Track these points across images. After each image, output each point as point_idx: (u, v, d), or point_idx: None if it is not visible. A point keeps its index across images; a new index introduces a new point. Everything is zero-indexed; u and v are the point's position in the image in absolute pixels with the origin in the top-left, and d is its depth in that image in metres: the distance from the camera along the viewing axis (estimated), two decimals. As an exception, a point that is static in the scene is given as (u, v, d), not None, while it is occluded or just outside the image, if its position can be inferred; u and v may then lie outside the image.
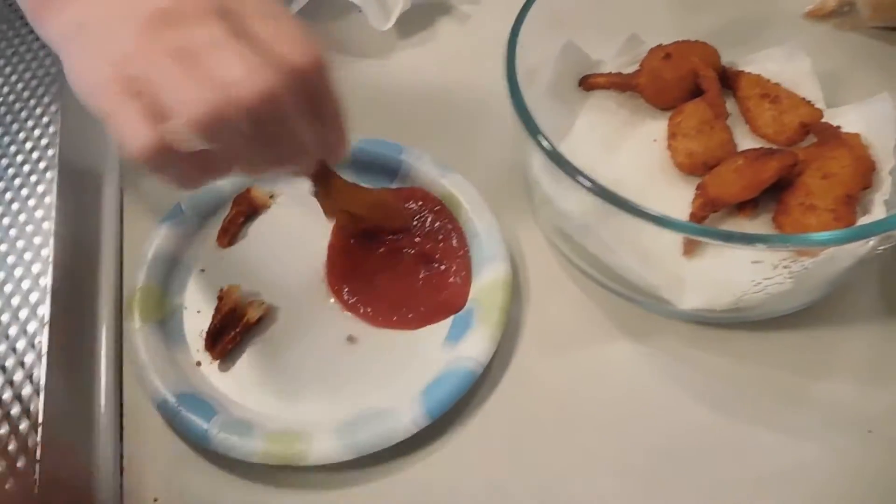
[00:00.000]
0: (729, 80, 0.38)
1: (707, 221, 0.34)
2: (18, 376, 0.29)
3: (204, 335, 0.33)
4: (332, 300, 0.35)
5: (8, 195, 0.35)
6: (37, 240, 0.33)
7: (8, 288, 0.32)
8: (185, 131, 0.22)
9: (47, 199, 0.35)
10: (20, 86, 0.40)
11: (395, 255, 0.35)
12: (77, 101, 0.40)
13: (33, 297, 0.32)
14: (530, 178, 0.34)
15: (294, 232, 0.37)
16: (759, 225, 0.34)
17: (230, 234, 0.37)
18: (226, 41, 0.22)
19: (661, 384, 0.32)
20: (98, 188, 0.38)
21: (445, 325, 0.34)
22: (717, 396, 0.32)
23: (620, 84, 0.38)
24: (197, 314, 0.34)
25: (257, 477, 0.30)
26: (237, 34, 0.22)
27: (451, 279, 0.35)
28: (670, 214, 0.27)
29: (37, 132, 0.38)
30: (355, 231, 0.36)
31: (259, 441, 0.29)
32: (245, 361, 0.33)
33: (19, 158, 0.37)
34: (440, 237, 0.36)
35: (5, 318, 0.31)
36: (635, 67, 0.39)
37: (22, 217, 0.34)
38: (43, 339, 0.30)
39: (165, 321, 0.34)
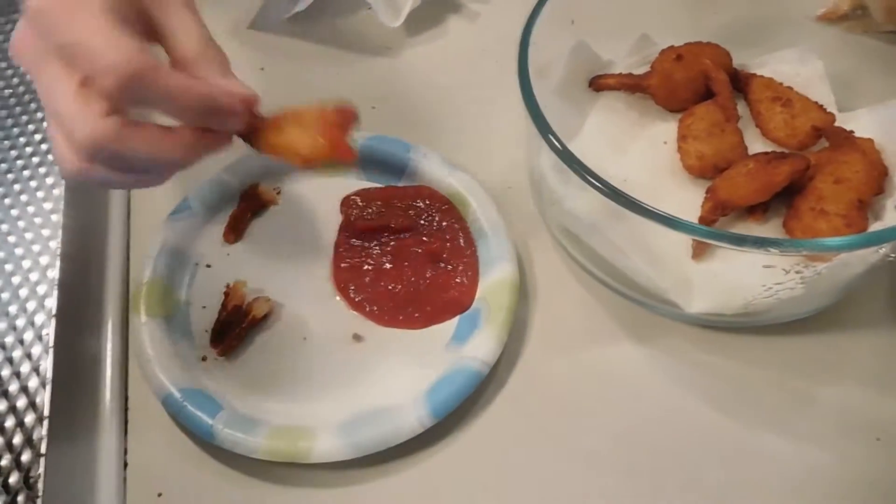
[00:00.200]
0: (740, 82, 0.38)
1: (716, 225, 0.34)
2: (25, 368, 0.29)
3: (209, 331, 0.33)
4: (338, 298, 0.35)
5: (17, 186, 0.36)
6: (45, 231, 0.34)
7: (16, 279, 0.32)
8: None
9: (56, 192, 0.35)
10: (29, 77, 0.40)
11: (401, 253, 0.35)
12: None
13: (41, 289, 0.32)
14: (539, 177, 0.34)
15: (301, 229, 0.37)
16: (768, 229, 0.34)
17: (237, 230, 0.37)
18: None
19: (668, 387, 0.32)
20: (106, 182, 0.39)
21: (452, 324, 0.34)
22: (725, 400, 0.31)
23: (631, 85, 0.38)
24: (203, 310, 0.34)
25: (261, 473, 0.30)
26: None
27: (458, 279, 0.35)
28: (677, 216, 0.27)
29: (46, 124, 0.38)
30: (361, 228, 0.36)
31: (263, 437, 0.29)
32: (250, 358, 0.33)
33: (29, 150, 0.37)
34: (447, 236, 0.36)
35: (13, 309, 0.31)
36: (646, 68, 0.38)
37: (31, 209, 0.35)
38: (50, 332, 0.30)
39: (171, 316, 0.34)
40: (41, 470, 0.27)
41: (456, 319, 0.34)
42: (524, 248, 0.36)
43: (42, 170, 0.36)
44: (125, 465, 0.30)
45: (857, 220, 0.31)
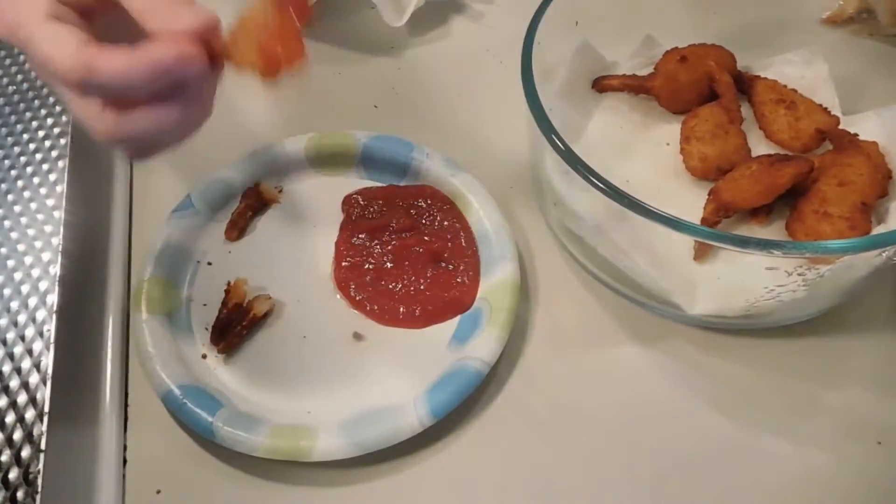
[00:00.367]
0: (744, 84, 0.38)
1: (719, 227, 0.34)
2: (26, 364, 0.29)
3: (210, 328, 0.33)
4: (339, 297, 0.35)
5: (20, 183, 0.36)
6: (48, 228, 0.34)
7: (18, 276, 0.32)
8: None
9: (59, 188, 0.35)
10: (33, 74, 0.40)
11: (403, 253, 0.35)
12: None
13: (43, 286, 0.32)
14: (542, 178, 0.34)
15: (302, 227, 0.37)
16: (771, 232, 0.34)
17: (238, 228, 0.37)
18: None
19: (670, 389, 0.32)
20: (109, 178, 0.39)
21: (452, 324, 0.34)
22: (727, 402, 0.31)
23: (634, 86, 0.38)
24: (203, 307, 0.34)
25: (260, 471, 0.30)
26: None
27: (459, 278, 0.35)
28: (681, 218, 0.27)
29: (49, 121, 0.38)
30: (363, 227, 0.36)
31: (264, 436, 0.29)
32: (251, 356, 0.33)
33: (32, 146, 0.37)
34: (449, 236, 0.36)
35: (14, 305, 0.31)
36: (650, 70, 0.38)
37: (33, 205, 0.35)
38: (51, 328, 0.30)
39: (172, 313, 0.34)
40: (41, 466, 0.27)
41: (457, 319, 0.34)
42: (526, 249, 0.36)
43: (45, 166, 0.36)
44: (124, 461, 0.30)
45: (861, 223, 0.31)
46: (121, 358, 0.33)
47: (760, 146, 0.36)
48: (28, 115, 0.38)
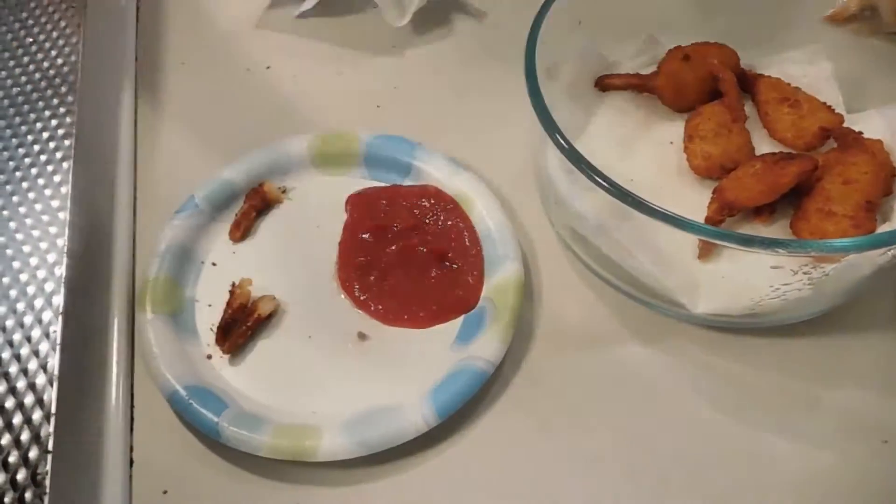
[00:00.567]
0: (748, 83, 0.38)
1: (723, 225, 0.34)
2: (32, 365, 0.29)
3: (215, 329, 0.33)
4: (343, 297, 0.35)
5: (25, 184, 0.36)
6: (52, 229, 0.34)
7: (24, 277, 0.32)
8: None
9: (63, 189, 0.35)
10: (38, 75, 0.40)
11: (407, 252, 0.35)
12: (94, 91, 0.41)
13: (48, 287, 0.32)
14: (545, 177, 0.34)
15: (306, 228, 0.37)
16: (775, 230, 0.34)
17: (243, 229, 0.37)
18: None
19: (674, 388, 0.32)
20: (113, 179, 0.39)
21: (456, 324, 0.34)
22: (731, 402, 0.31)
23: (637, 85, 0.38)
24: (208, 307, 0.34)
25: (266, 471, 0.30)
26: None
27: (463, 278, 0.35)
28: (685, 217, 0.27)
29: (54, 122, 0.38)
30: (367, 227, 0.36)
31: (268, 436, 0.29)
32: (255, 356, 0.33)
33: (37, 147, 0.37)
34: (452, 236, 0.36)
35: (20, 306, 0.31)
36: (653, 68, 0.38)
37: (38, 206, 0.35)
38: (57, 330, 0.30)
39: (177, 313, 0.34)
40: (48, 467, 0.27)
41: (461, 319, 0.34)
42: (529, 248, 0.36)
43: (49, 167, 0.36)
44: (131, 462, 0.30)
45: (865, 222, 0.31)
46: (126, 359, 0.33)
47: (764, 145, 0.36)
48: (32, 116, 0.38)
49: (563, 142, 0.29)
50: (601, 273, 0.34)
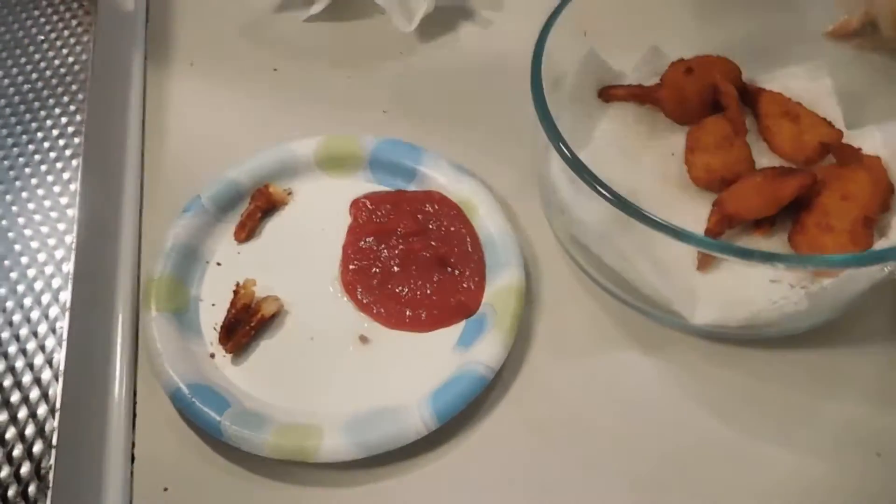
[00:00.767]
0: (749, 96, 0.38)
1: (722, 237, 0.34)
2: (38, 360, 0.30)
3: (218, 328, 0.34)
4: (346, 299, 0.35)
5: (34, 180, 0.36)
6: (61, 226, 0.34)
7: (31, 272, 0.32)
8: None
9: (72, 187, 0.36)
10: (49, 73, 0.41)
11: (409, 257, 0.36)
12: (103, 90, 0.41)
13: (56, 283, 0.32)
14: (548, 185, 0.34)
15: (310, 230, 0.37)
16: (774, 243, 0.34)
17: (247, 229, 0.37)
18: None
19: (672, 397, 0.32)
20: (120, 177, 0.39)
21: (457, 328, 0.34)
22: (728, 411, 0.32)
23: (640, 96, 0.38)
24: (212, 307, 0.35)
25: (266, 470, 0.30)
26: None
27: (465, 283, 0.35)
28: (686, 229, 0.27)
29: (63, 119, 0.38)
30: (370, 231, 0.36)
31: (270, 435, 0.30)
32: (258, 356, 0.33)
33: (46, 145, 0.37)
34: (455, 241, 0.36)
35: (28, 301, 0.31)
36: (656, 80, 0.39)
37: (47, 203, 0.35)
38: (64, 325, 0.31)
39: (181, 312, 0.34)
40: (52, 461, 0.27)
41: (462, 324, 0.34)
42: (531, 255, 0.37)
43: (59, 165, 0.37)
44: (132, 458, 0.31)
45: (863, 237, 0.32)
46: (130, 355, 0.33)
47: (764, 158, 0.37)
48: (43, 113, 0.39)
49: (566, 151, 0.30)
50: (602, 281, 0.35)
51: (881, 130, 0.36)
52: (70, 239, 0.33)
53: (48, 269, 0.33)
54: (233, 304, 0.34)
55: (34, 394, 0.29)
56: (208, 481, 0.30)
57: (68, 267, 0.33)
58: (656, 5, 0.39)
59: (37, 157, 0.37)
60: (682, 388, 0.32)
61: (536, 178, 0.37)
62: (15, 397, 0.29)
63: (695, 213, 0.35)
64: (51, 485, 0.27)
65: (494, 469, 0.31)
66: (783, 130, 0.36)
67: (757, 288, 0.29)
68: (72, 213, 0.34)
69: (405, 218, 0.37)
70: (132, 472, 0.30)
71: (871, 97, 0.38)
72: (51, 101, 0.39)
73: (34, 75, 0.40)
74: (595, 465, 0.30)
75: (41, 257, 0.33)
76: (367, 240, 0.36)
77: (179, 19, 0.48)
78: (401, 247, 0.36)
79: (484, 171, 0.39)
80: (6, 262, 0.33)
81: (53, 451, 0.27)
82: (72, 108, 0.39)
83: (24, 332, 0.31)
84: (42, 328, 0.31)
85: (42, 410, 0.28)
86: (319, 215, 0.38)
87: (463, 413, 0.31)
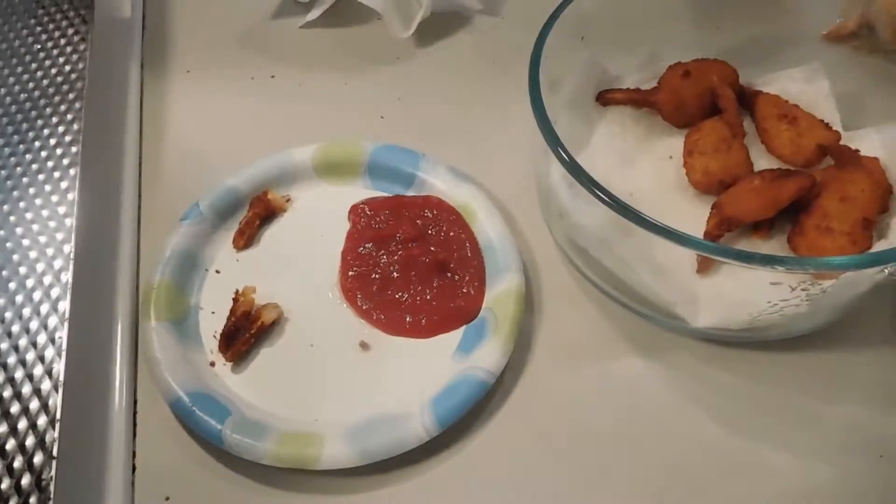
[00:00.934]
0: (747, 99, 0.38)
1: (721, 240, 0.34)
2: (38, 371, 0.30)
3: (218, 336, 0.34)
4: (346, 306, 0.35)
5: (32, 190, 0.36)
6: (59, 235, 0.34)
7: (29, 283, 0.32)
8: None
9: (70, 196, 0.35)
10: (46, 82, 0.40)
11: (409, 262, 0.36)
12: (100, 98, 0.41)
13: (54, 293, 0.32)
14: (547, 190, 0.35)
15: (309, 237, 0.37)
16: (773, 246, 0.34)
17: (246, 237, 0.37)
18: None
19: (673, 401, 0.32)
20: (118, 186, 0.39)
21: (458, 334, 0.34)
22: (729, 415, 0.32)
23: (638, 100, 0.39)
24: (212, 315, 0.35)
25: (267, 478, 0.30)
26: None
27: (465, 289, 0.35)
28: (684, 232, 0.27)
29: (61, 128, 0.38)
30: (369, 237, 0.36)
31: (271, 443, 0.30)
32: (258, 364, 0.33)
33: (43, 154, 0.37)
34: (454, 246, 0.36)
35: (26, 312, 0.31)
36: (653, 84, 0.39)
37: (45, 212, 0.35)
38: (63, 335, 0.30)
39: (181, 320, 0.34)
40: (53, 472, 0.27)
41: (462, 329, 0.34)
42: (531, 260, 0.36)
43: (56, 174, 0.37)
44: (133, 468, 0.31)
45: (862, 239, 0.32)
46: (130, 365, 0.33)
47: (762, 161, 0.37)
48: (40, 122, 0.39)
49: (564, 155, 0.30)
50: (601, 285, 0.35)
51: (879, 132, 0.36)
52: (68, 248, 0.33)
53: (47, 279, 0.32)
54: (232, 311, 0.34)
55: (34, 405, 0.29)
56: (209, 490, 0.30)
57: (67, 276, 0.32)
58: (654, 9, 0.39)
59: (34, 166, 0.37)
60: (682, 392, 0.32)
61: (535, 182, 0.37)
62: (15, 408, 0.29)
63: (693, 216, 0.35)
64: (52, 496, 0.27)
65: (496, 474, 0.30)
66: (781, 133, 0.36)
67: (757, 291, 0.29)
68: (70, 222, 0.34)
69: (404, 223, 0.37)
70: (133, 482, 0.30)
71: (868, 99, 0.38)
72: (48, 109, 0.39)
73: (31, 84, 0.40)
74: (596, 470, 0.30)
75: (39, 267, 0.33)
76: (367, 246, 0.36)
77: (176, 27, 0.48)
78: (400, 252, 0.36)
79: (482, 176, 0.39)
80: (4, 273, 0.33)
81: (54, 462, 0.27)
82: (69, 116, 0.39)
83: (23, 342, 0.30)
84: (41, 338, 0.30)
85: (42, 421, 0.28)
86: (318, 222, 0.38)
87: (464, 419, 0.31)
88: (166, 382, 0.31)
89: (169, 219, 0.37)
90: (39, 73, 0.41)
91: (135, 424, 0.32)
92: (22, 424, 0.28)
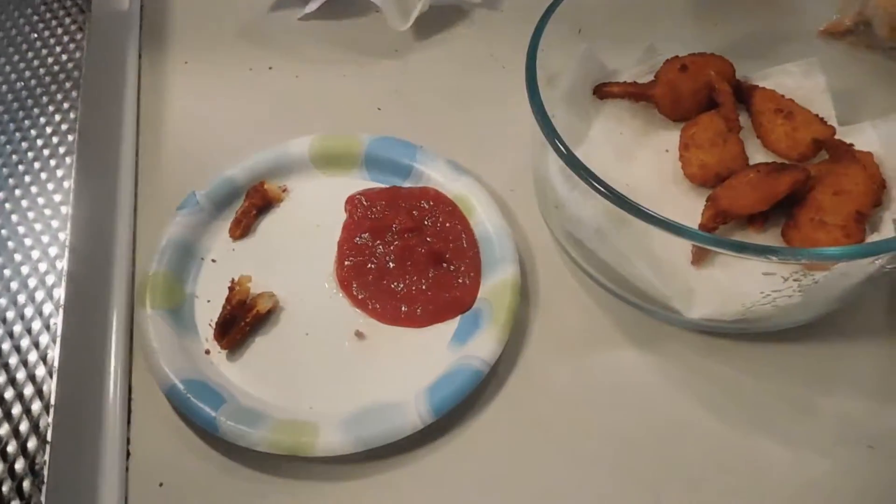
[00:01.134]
0: (743, 94, 0.38)
1: (716, 233, 0.34)
2: (33, 357, 0.30)
3: (214, 325, 0.34)
4: (342, 295, 0.35)
5: (28, 178, 0.36)
6: (55, 223, 0.34)
7: (25, 270, 0.32)
8: None
9: (66, 184, 0.35)
10: (42, 70, 0.40)
11: (405, 253, 0.36)
12: (97, 88, 0.41)
13: (50, 280, 0.32)
14: (544, 182, 0.35)
15: (306, 226, 0.37)
16: (767, 238, 0.34)
17: (243, 226, 0.37)
18: None
19: (667, 392, 0.32)
20: (115, 174, 0.39)
21: (453, 324, 0.34)
22: (723, 406, 0.32)
23: (635, 94, 0.39)
24: (207, 303, 0.35)
25: (261, 465, 0.30)
26: None
27: (461, 279, 0.35)
28: (680, 223, 0.27)
29: (57, 117, 0.38)
30: (366, 227, 0.36)
31: (266, 431, 0.30)
32: (253, 352, 0.33)
33: (40, 142, 0.37)
34: (451, 237, 0.36)
35: (22, 299, 0.31)
36: (650, 78, 0.39)
37: (41, 200, 0.35)
38: (58, 322, 0.30)
39: (176, 309, 0.34)
40: (46, 457, 0.27)
41: (457, 319, 0.34)
42: (527, 251, 0.37)
43: (52, 162, 0.37)
44: (128, 454, 0.31)
45: (856, 232, 0.32)
46: (125, 352, 0.33)
47: (758, 155, 0.37)
48: (36, 110, 0.39)
49: (562, 148, 0.30)
50: (597, 277, 0.35)
51: (874, 127, 0.36)
52: (64, 236, 0.33)
53: (42, 267, 0.32)
54: (228, 300, 0.34)
55: (28, 390, 0.29)
56: (204, 477, 0.30)
57: (62, 264, 0.32)
58: (651, 3, 0.39)
59: (31, 154, 0.37)
60: (676, 383, 0.33)
61: (532, 174, 0.37)
62: (9, 394, 0.29)
63: (689, 209, 0.35)
64: (45, 481, 0.27)
65: (490, 462, 0.31)
66: (777, 127, 0.37)
67: (750, 281, 0.29)
68: (66, 210, 0.34)
69: (400, 214, 0.37)
70: (127, 468, 0.30)
71: (863, 94, 0.38)
72: (45, 98, 0.39)
73: (28, 73, 0.40)
74: (590, 459, 0.31)
75: (35, 255, 0.33)
76: (363, 236, 0.36)
77: (174, 17, 0.48)
78: (396, 243, 0.36)
79: (479, 168, 0.39)
80: (0, 259, 0.33)
81: (48, 448, 0.27)
82: (66, 105, 0.39)
83: (18, 328, 0.30)
84: (36, 325, 0.30)
85: (36, 407, 0.28)
86: (315, 212, 0.38)
87: (459, 407, 0.31)
88: (161, 370, 0.31)
89: (166, 208, 0.37)
90: (37, 63, 0.41)
91: (129, 411, 0.32)
92: (16, 410, 0.28)
